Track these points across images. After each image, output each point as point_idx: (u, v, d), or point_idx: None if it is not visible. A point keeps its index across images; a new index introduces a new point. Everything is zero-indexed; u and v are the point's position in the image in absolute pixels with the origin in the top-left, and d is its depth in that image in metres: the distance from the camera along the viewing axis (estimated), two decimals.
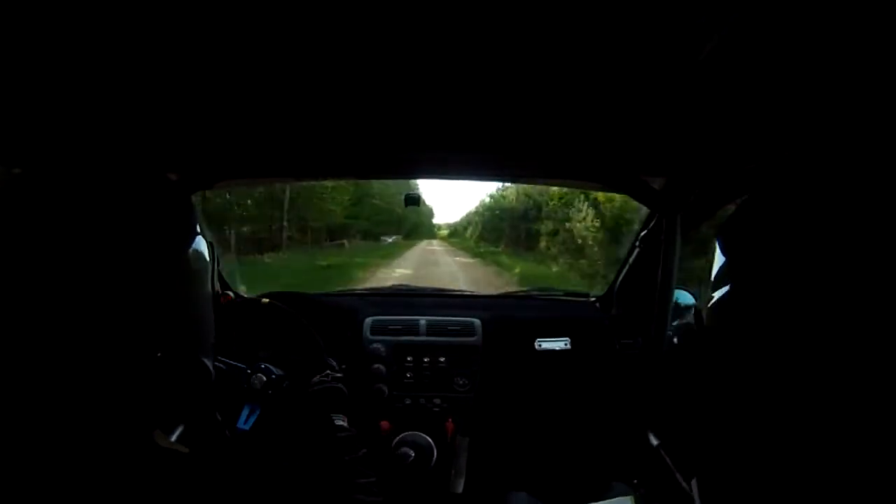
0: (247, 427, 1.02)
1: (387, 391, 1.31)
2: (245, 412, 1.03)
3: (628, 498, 0.78)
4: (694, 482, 0.54)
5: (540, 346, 1.40)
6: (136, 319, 0.48)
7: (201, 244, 0.56)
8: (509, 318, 1.45)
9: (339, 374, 1.05)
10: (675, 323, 1.15)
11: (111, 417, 0.50)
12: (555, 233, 11.66)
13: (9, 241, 0.46)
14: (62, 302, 0.45)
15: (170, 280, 0.51)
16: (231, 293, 1.44)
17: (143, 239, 0.49)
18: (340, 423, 0.93)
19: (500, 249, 15.94)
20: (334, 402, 0.98)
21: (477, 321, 1.40)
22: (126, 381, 0.49)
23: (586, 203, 9.70)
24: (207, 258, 0.57)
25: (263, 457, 0.95)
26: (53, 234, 0.46)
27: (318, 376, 1.03)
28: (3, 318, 0.46)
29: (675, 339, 1.09)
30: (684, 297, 1.25)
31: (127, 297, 0.47)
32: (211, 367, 0.58)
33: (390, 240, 17.67)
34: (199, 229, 0.56)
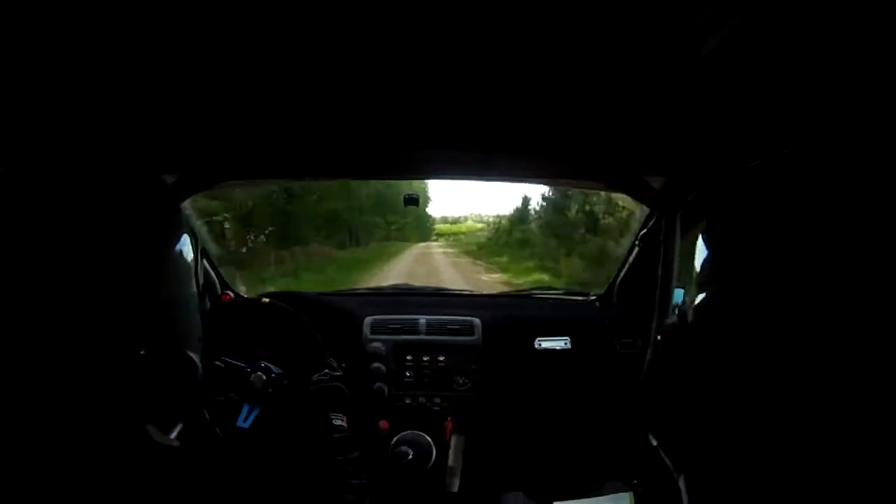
0: (246, 425, 1.02)
1: (386, 390, 1.31)
2: (245, 410, 1.03)
3: (627, 495, 0.78)
4: (681, 479, 0.54)
5: (540, 345, 1.40)
6: (116, 315, 0.48)
7: (185, 240, 0.56)
8: (509, 317, 1.45)
9: (338, 373, 1.05)
10: (665, 322, 1.15)
11: (99, 412, 0.50)
12: None
13: None
14: (41, 298, 0.46)
15: (150, 275, 0.52)
16: (231, 293, 1.44)
17: (125, 234, 0.50)
18: (339, 422, 0.94)
19: None
20: (334, 401, 0.98)
21: (477, 320, 1.39)
22: (110, 377, 0.49)
23: None
24: (191, 252, 0.57)
25: (258, 455, 0.96)
26: (35, 232, 0.46)
27: (317, 375, 1.03)
28: None
29: (661, 339, 1.09)
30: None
31: (107, 294, 0.48)
32: (198, 361, 0.58)
33: None
34: (181, 224, 0.57)
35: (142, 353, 0.50)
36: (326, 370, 1.04)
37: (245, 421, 1.02)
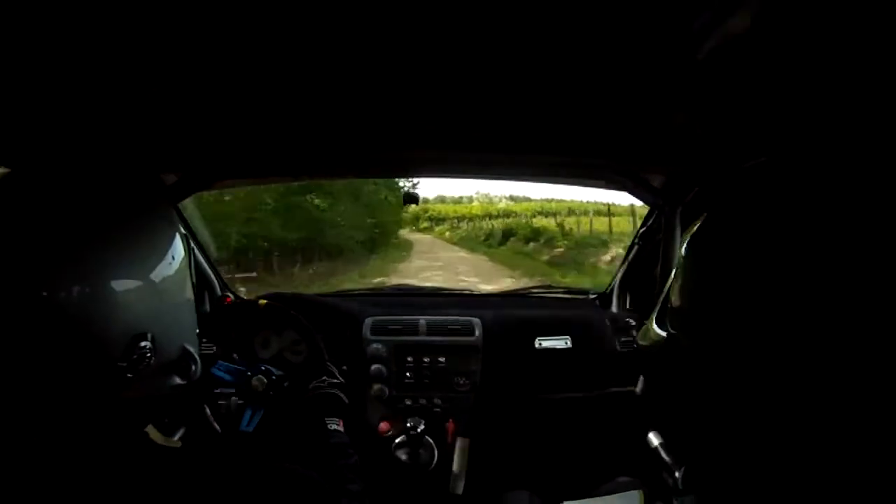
0: (250, 429, 1.02)
1: (387, 392, 1.31)
2: (248, 414, 1.03)
3: (637, 492, 0.78)
4: (678, 474, 0.55)
5: (540, 344, 1.39)
6: (109, 311, 0.49)
7: (175, 237, 0.58)
8: (509, 316, 1.45)
9: (336, 380, 1.04)
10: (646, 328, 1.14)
11: (97, 413, 0.50)
12: None
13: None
14: (32, 297, 0.46)
15: (142, 272, 0.53)
16: (231, 295, 1.45)
17: (117, 232, 0.51)
18: (335, 427, 0.93)
19: None
20: (330, 407, 0.98)
21: (477, 320, 1.39)
22: (106, 376, 0.50)
23: None
24: (182, 250, 0.59)
25: (260, 457, 0.96)
26: (27, 231, 0.47)
27: (315, 381, 1.03)
28: None
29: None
30: None
31: (99, 290, 0.48)
32: (196, 354, 0.59)
33: None
34: (174, 221, 0.59)
35: (142, 344, 0.51)
36: (325, 377, 1.04)
37: (248, 425, 1.02)
